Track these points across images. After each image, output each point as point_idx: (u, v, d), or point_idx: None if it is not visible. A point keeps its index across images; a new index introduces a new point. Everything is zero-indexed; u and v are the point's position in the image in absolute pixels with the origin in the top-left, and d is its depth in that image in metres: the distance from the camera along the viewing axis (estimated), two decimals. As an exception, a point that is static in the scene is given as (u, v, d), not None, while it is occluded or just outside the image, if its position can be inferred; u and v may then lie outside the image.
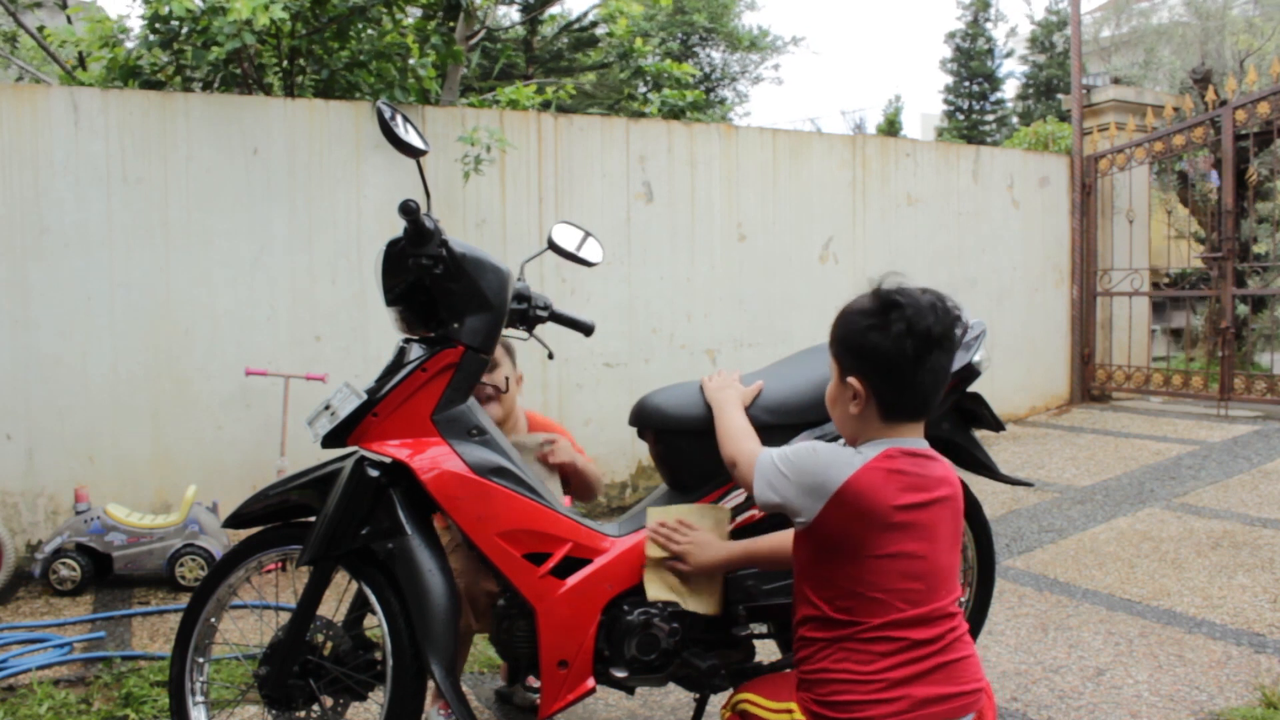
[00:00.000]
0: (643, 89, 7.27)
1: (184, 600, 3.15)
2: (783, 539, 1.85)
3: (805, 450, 1.60)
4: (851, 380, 1.58)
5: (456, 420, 1.96)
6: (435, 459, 1.91)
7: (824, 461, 1.56)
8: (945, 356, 1.56)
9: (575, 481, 2.47)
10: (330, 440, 1.95)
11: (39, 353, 4.05)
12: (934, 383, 1.57)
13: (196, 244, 4.26)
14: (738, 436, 1.86)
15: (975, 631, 2.49)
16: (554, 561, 1.93)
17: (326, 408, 1.97)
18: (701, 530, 1.94)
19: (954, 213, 6.32)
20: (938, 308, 1.55)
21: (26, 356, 4.03)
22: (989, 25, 22.10)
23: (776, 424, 2.04)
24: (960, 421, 2.40)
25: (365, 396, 1.94)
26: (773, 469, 1.62)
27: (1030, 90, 21.24)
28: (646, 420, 2.09)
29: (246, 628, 3.05)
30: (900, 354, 1.53)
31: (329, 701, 1.99)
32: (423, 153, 1.98)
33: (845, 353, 1.60)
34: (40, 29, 6.02)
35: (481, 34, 5.79)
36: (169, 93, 4.30)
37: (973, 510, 2.43)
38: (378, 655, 2.01)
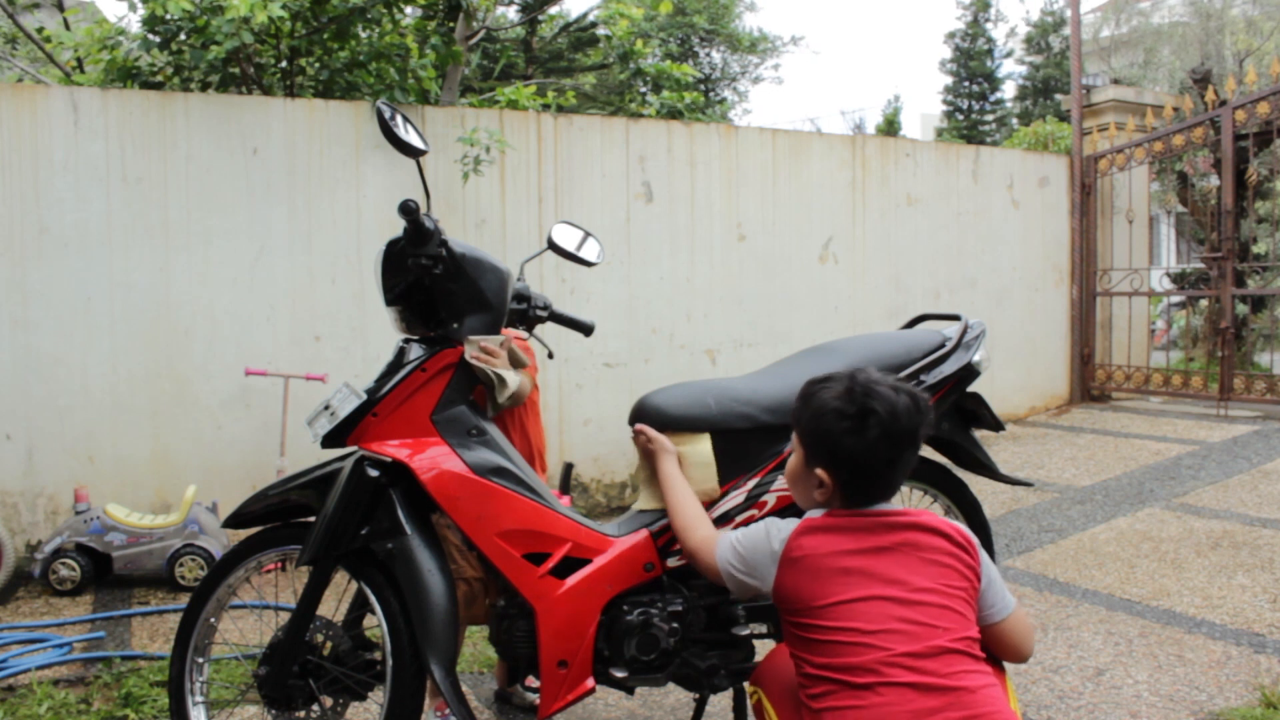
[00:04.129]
0: (643, 90, 7.26)
1: (184, 600, 3.15)
2: (683, 499, 1.90)
3: (757, 527, 1.64)
4: (819, 472, 1.59)
5: (456, 420, 1.96)
6: (435, 459, 1.91)
7: (771, 530, 1.60)
8: (915, 451, 1.59)
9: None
10: (330, 440, 1.95)
11: (39, 353, 4.05)
12: (902, 474, 1.59)
13: (196, 244, 4.26)
14: (693, 525, 1.85)
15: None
16: (554, 561, 1.93)
17: (326, 408, 1.98)
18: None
19: (954, 213, 6.32)
20: (910, 409, 1.55)
21: (26, 356, 4.04)
22: (989, 25, 22.13)
23: (777, 424, 2.04)
24: (960, 421, 2.40)
25: (365, 396, 1.94)
26: (730, 551, 1.66)
27: (1028, 91, 21.27)
28: (646, 420, 2.09)
29: (246, 628, 3.05)
30: (874, 457, 1.55)
31: (329, 701, 1.99)
32: (422, 153, 1.98)
33: (816, 445, 1.59)
34: (39, 30, 6.02)
35: (481, 34, 5.78)
36: (168, 93, 4.31)
37: (972, 510, 2.44)
38: (377, 655, 2.01)
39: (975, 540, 1.59)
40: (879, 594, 1.47)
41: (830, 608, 1.48)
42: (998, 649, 1.60)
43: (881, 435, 1.53)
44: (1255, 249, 7.91)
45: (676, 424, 2.04)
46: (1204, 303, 7.78)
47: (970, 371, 2.24)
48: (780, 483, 2.02)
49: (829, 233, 5.79)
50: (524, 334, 2.42)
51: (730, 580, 1.66)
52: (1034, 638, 1.70)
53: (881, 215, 6.00)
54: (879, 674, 1.42)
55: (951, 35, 22.22)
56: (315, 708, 1.98)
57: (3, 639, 3.24)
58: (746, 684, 1.72)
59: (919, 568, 1.51)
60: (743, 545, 1.64)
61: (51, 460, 4.08)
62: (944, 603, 1.49)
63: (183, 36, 4.73)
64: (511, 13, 11.89)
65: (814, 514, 1.59)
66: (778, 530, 1.59)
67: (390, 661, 1.89)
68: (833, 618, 1.47)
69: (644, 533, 2.01)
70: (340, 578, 2.04)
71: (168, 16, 4.46)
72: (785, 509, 1.98)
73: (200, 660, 2.09)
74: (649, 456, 2.04)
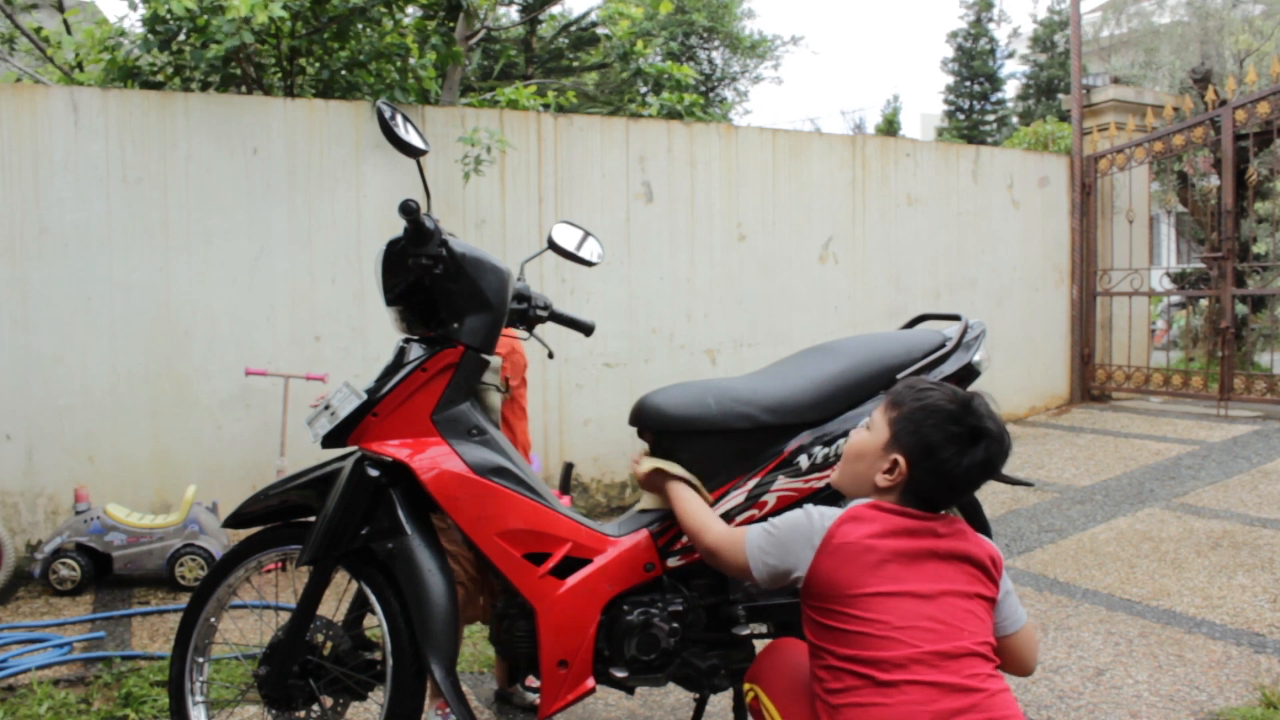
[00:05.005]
0: (643, 90, 7.26)
1: (184, 600, 3.14)
2: (693, 509, 1.88)
3: (796, 512, 1.63)
4: (899, 458, 1.58)
5: (456, 420, 1.96)
6: (435, 459, 1.91)
7: (813, 515, 1.60)
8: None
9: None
10: (330, 440, 1.95)
11: (39, 353, 4.05)
12: (964, 499, 1.65)
13: (196, 244, 4.26)
14: (707, 523, 1.82)
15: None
16: (554, 561, 1.93)
17: (326, 408, 1.98)
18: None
19: (954, 213, 6.32)
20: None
21: (26, 356, 4.04)
22: (991, 25, 22.14)
23: (777, 424, 2.04)
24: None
25: (365, 396, 1.94)
26: (762, 537, 1.64)
27: (1031, 90, 21.26)
28: (646, 420, 2.09)
29: (246, 628, 3.05)
30: (965, 475, 1.58)
31: (329, 701, 1.99)
32: (423, 153, 1.98)
33: (911, 436, 1.59)
34: (38, 30, 6.02)
35: (481, 34, 5.78)
36: (168, 92, 4.31)
37: (973, 511, 2.43)
38: (377, 655, 2.01)
39: (1001, 557, 1.61)
40: (911, 590, 1.49)
41: (863, 598, 1.49)
42: (1005, 661, 1.61)
43: (985, 459, 1.57)
44: (1255, 249, 7.91)
45: (676, 424, 2.04)
46: (1204, 303, 7.77)
47: (970, 371, 2.24)
48: (780, 482, 2.02)
49: (829, 233, 5.79)
50: (524, 334, 2.42)
51: (759, 568, 1.63)
52: (1038, 652, 1.71)
53: (881, 215, 6.00)
54: (906, 670, 1.43)
55: (954, 35, 22.22)
56: (315, 708, 1.98)
57: (3, 639, 3.24)
58: (750, 684, 1.72)
59: (948, 573, 1.53)
60: (778, 530, 1.62)
61: (51, 460, 4.08)
62: (969, 607, 1.52)
63: (183, 36, 4.73)
64: (512, 13, 11.89)
65: (858, 503, 1.59)
66: (820, 515, 1.58)
67: (390, 661, 1.89)
68: (864, 608, 1.48)
69: (644, 533, 2.00)
70: (340, 578, 2.04)
71: (168, 16, 4.46)
72: (785, 509, 1.97)
73: (200, 660, 2.09)
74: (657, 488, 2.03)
